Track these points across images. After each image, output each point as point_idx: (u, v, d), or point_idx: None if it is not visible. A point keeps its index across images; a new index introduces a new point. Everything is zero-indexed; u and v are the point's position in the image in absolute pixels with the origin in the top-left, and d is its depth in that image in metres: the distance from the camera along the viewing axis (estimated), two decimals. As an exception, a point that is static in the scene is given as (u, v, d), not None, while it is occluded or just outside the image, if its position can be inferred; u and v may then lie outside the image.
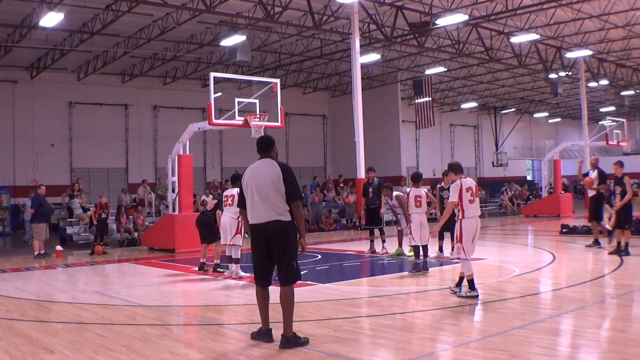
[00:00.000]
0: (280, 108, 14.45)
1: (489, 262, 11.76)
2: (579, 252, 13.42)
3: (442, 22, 20.30)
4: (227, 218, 10.51)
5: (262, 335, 6.08)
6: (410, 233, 10.53)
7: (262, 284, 6.07)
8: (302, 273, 10.57)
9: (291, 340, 5.83)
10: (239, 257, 10.66)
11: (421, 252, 10.55)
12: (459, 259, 8.26)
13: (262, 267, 6.02)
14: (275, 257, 5.92)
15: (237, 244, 10.49)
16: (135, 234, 18.27)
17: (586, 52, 26.69)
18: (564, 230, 17.30)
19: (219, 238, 11.17)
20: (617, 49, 27.66)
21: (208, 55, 25.57)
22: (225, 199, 10.64)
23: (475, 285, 8.02)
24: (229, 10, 19.37)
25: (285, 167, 5.97)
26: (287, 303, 5.89)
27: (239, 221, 10.38)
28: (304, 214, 6.28)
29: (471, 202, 8.16)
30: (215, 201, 11.54)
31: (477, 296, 7.93)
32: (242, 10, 19.78)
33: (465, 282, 8.06)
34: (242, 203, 6.22)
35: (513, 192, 31.75)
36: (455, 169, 8.75)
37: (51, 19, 16.92)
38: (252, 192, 5.97)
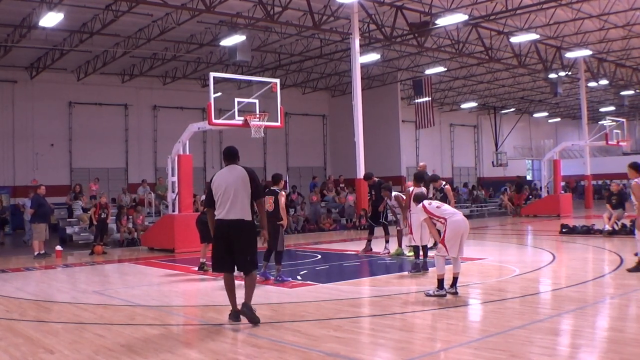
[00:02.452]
0: (280, 108, 14.44)
1: (489, 262, 11.78)
2: (579, 251, 13.43)
3: (442, 22, 20.29)
4: None
5: (233, 316, 6.84)
6: (411, 233, 10.50)
7: (226, 270, 6.91)
8: (302, 273, 10.62)
9: (250, 308, 6.72)
10: None
11: (421, 252, 10.55)
12: (445, 257, 8.26)
13: (224, 257, 6.82)
14: (235, 251, 6.75)
15: None
16: (135, 234, 18.27)
17: (586, 52, 26.69)
18: (563, 230, 17.30)
19: None
20: (617, 48, 27.66)
21: (208, 55, 25.57)
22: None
23: (444, 285, 8.08)
24: (229, 10, 19.37)
25: (251, 171, 6.90)
26: (252, 285, 6.91)
27: None
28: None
29: (439, 207, 8.42)
30: None
31: (444, 295, 7.99)
32: (242, 10, 19.78)
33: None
34: (210, 203, 6.98)
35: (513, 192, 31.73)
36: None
37: (51, 19, 16.91)
38: (222, 193, 6.75)
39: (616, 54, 29.06)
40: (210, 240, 11.44)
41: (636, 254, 11.38)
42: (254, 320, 6.71)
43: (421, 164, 15.01)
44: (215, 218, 6.84)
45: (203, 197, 16.61)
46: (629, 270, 9.84)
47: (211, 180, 7.01)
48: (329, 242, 17.57)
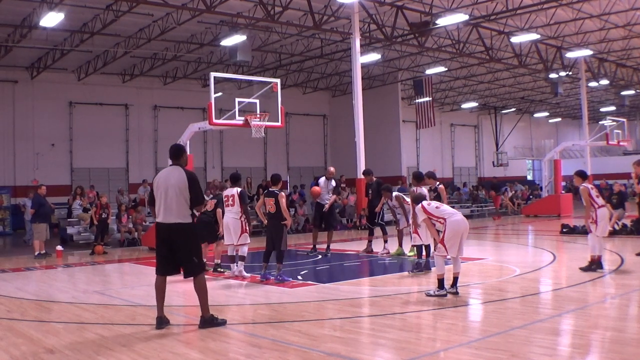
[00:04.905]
0: (281, 108, 14.44)
1: (489, 262, 11.78)
2: (579, 252, 13.40)
3: (443, 21, 20.28)
4: (230, 219, 10.54)
5: (160, 321, 6.81)
6: (416, 231, 10.42)
7: (161, 272, 6.92)
8: (302, 273, 10.63)
9: (208, 321, 6.72)
10: (245, 255, 10.68)
11: (423, 252, 10.56)
12: (445, 257, 8.25)
13: (162, 260, 6.85)
14: (177, 253, 6.73)
15: (246, 242, 10.53)
16: (136, 234, 18.27)
17: (586, 52, 26.66)
18: (564, 230, 17.29)
19: (220, 238, 11.21)
20: (618, 48, 27.65)
21: (208, 55, 25.57)
22: (226, 199, 10.66)
23: (445, 285, 8.08)
24: (229, 10, 19.37)
25: (191, 177, 6.74)
26: (201, 290, 6.83)
27: (242, 221, 10.46)
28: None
29: (438, 207, 8.48)
30: (215, 200, 11.53)
31: (445, 295, 7.99)
32: (243, 10, 19.77)
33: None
34: (152, 201, 6.95)
35: (513, 192, 31.73)
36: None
37: (51, 19, 16.91)
38: (162, 195, 6.71)
39: (617, 54, 29.04)
40: (210, 240, 11.52)
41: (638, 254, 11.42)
42: (222, 323, 6.81)
43: (331, 168, 14.40)
44: (155, 220, 6.85)
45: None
46: (582, 269, 9.95)
47: (154, 178, 6.99)
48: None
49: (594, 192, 10.12)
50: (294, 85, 31.35)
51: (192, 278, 6.90)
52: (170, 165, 6.91)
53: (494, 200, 27.76)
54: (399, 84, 32.59)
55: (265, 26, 21.42)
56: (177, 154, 6.90)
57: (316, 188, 13.48)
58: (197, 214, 7.00)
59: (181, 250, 6.73)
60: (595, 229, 9.98)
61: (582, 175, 10.45)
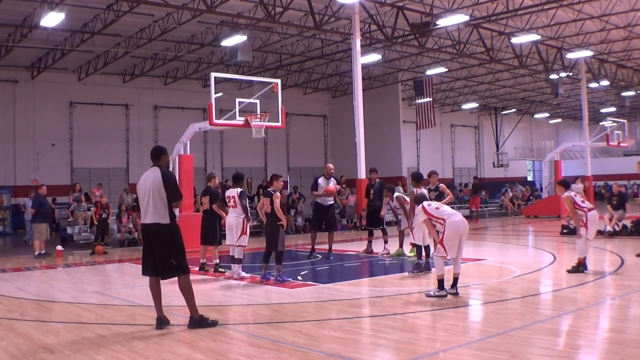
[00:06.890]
0: (281, 108, 14.45)
1: (489, 263, 11.78)
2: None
3: (443, 22, 20.29)
4: (233, 219, 10.56)
5: (160, 322, 6.83)
6: (412, 232, 10.48)
7: (144, 273, 7.08)
8: (302, 273, 10.64)
9: (197, 321, 6.74)
10: (242, 257, 10.68)
11: (423, 253, 10.56)
12: (445, 257, 8.26)
13: (144, 260, 7.00)
14: (156, 254, 6.79)
15: (242, 244, 10.52)
16: (136, 234, 18.26)
17: (587, 53, 26.67)
18: (564, 230, 17.29)
19: (219, 242, 11.28)
20: (618, 49, 27.65)
21: (209, 55, 25.57)
22: (228, 199, 10.68)
23: (444, 286, 8.07)
24: (230, 11, 19.38)
25: (165, 174, 6.78)
26: (185, 291, 6.89)
27: (244, 221, 10.47)
28: None
29: (438, 208, 8.45)
30: (208, 197, 11.50)
31: (445, 296, 7.98)
32: (243, 11, 19.79)
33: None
34: (139, 204, 7.12)
35: (514, 193, 31.72)
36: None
37: (52, 19, 16.91)
38: (142, 197, 6.80)
39: (617, 55, 29.04)
40: (211, 243, 11.50)
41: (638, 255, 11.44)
42: (213, 324, 6.78)
43: (329, 165, 13.92)
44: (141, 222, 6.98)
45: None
46: (569, 271, 10.00)
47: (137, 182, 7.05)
48: (330, 243, 17.52)
49: (578, 199, 10.37)
50: (294, 85, 31.35)
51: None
52: (151, 167, 6.90)
53: (471, 203, 27.31)
54: (400, 84, 32.57)
55: (266, 26, 21.43)
56: (157, 155, 6.93)
57: (330, 187, 13.10)
58: (177, 214, 7.03)
59: (157, 250, 6.76)
60: (586, 232, 10.11)
61: (564, 184, 10.74)
